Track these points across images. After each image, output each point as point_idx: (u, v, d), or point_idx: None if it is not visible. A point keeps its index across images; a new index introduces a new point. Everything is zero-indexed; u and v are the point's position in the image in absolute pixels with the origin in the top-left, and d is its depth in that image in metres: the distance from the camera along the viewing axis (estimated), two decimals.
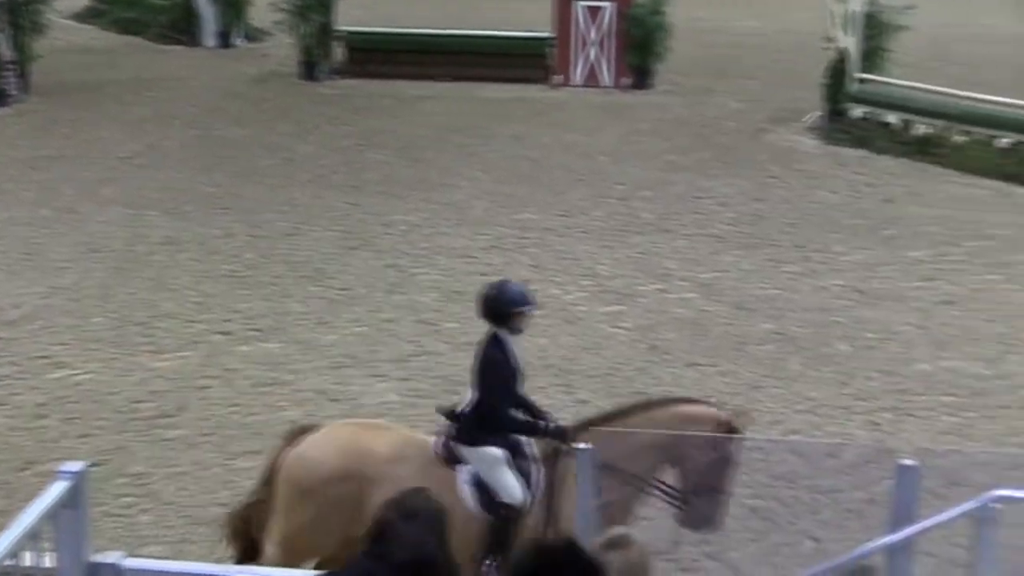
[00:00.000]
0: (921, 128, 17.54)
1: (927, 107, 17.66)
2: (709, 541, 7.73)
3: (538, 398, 10.24)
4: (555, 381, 10.70)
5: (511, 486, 6.93)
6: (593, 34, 20.67)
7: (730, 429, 6.91)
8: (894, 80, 18.37)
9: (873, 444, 9.48)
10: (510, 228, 14.43)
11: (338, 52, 21.18)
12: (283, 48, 21.46)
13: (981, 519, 6.23)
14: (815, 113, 18.67)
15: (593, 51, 20.70)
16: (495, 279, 7.49)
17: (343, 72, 21.02)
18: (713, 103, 19.91)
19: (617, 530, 5.26)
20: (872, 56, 18.58)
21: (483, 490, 6.94)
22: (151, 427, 9.86)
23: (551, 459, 7.03)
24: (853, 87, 18.30)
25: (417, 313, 12.11)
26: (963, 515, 6.38)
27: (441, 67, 20.52)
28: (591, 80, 20.73)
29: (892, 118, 17.82)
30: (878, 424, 10.17)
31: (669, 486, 7.03)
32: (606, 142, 17.87)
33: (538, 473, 7.01)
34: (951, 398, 10.66)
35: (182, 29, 23.32)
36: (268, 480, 7.15)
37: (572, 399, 10.38)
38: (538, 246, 13.91)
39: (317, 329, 11.73)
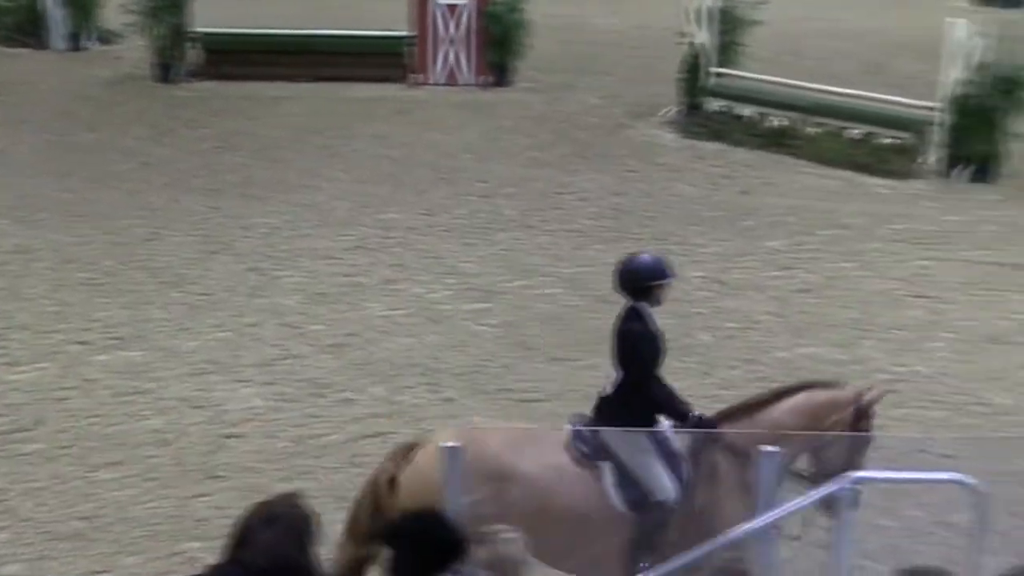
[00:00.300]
0: (775, 121, 17.90)
1: (781, 100, 18.03)
2: None
3: (406, 398, 10.37)
4: (421, 380, 10.68)
5: (664, 483, 6.57)
6: (452, 32, 20.64)
7: (864, 408, 6.83)
8: (749, 74, 18.73)
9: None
10: (373, 228, 14.35)
11: (193, 53, 20.82)
12: (136, 50, 20.98)
13: (841, 501, 6.41)
14: (672, 107, 18.93)
15: (452, 49, 20.68)
16: (626, 259, 7.03)
17: (199, 74, 20.64)
18: (573, 99, 20.05)
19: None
20: (727, 51, 18.88)
21: (630, 488, 6.59)
22: (7, 442, 9.58)
23: (696, 454, 6.75)
24: (709, 81, 18.59)
25: (280, 316, 11.97)
26: (824, 498, 6.54)
27: (299, 67, 20.32)
28: (451, 78, 20.71)
29: (747, 111, 18.16)
30: None
31: (808, 473, 6.88)
32: (468, 140, 17.89)
33: (687, 469, 6.73)
34: None
35: (29, 32, 22.59)
36: (375, 503, 6.64)
37: (438, 397, 10.39)
38: (402, 245, 13.87)
39: (179, 335, 11.53)
